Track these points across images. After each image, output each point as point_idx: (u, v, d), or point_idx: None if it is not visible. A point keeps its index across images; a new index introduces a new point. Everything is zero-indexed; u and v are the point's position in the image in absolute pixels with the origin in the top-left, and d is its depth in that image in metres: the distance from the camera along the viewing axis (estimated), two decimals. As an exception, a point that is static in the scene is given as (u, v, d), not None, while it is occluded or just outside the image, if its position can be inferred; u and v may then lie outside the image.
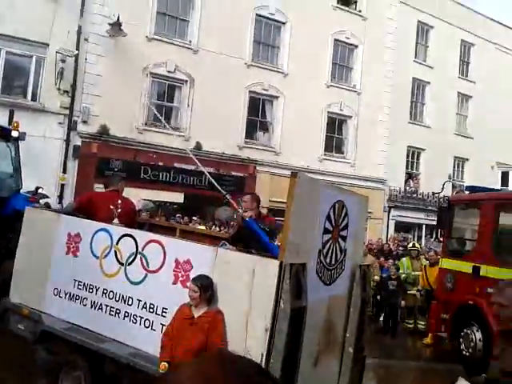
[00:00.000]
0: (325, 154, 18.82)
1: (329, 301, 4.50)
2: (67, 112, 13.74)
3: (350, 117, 19.49)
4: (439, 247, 13.78)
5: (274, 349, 3.59)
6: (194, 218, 13.81)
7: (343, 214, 4.59)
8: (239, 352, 3.70)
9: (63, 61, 13.42)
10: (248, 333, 3.72)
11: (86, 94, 14.08)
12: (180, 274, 4.16)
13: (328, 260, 4.39)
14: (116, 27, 13.90)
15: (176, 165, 15.61)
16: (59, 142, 13.64)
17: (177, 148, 15.54)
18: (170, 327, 3.86)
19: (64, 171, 13.67)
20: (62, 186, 13.52)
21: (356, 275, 4.91)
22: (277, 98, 17.74)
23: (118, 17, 13.81)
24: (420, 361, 8.32)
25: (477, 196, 7.93)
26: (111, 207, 5.27)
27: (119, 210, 5.29)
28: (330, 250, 4.42)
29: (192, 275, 4.02)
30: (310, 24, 17.61)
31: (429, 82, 21.66)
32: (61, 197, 13.17)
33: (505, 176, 23.08)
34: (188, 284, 3.99)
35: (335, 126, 19.47)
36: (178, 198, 15.72)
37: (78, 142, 14.02)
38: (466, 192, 8.62)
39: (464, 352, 7.47)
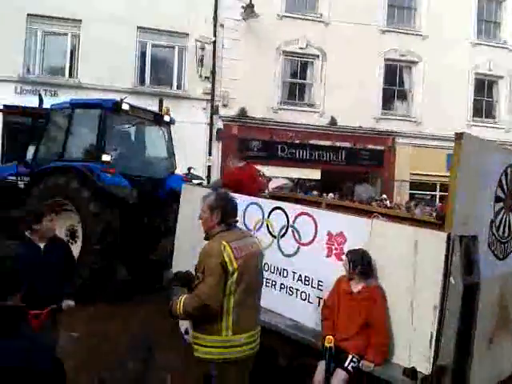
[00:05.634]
0: (473, 120, 17.11)
1: (503, 276, 4.00)
2: (209, 97, 14.47)
3: (502, 77, 17.37)
4: None
5: (444, 328, 3.29)
6: (330, 194, 13.43)
7: (517, 180, 4.02)
8: (406, 331, 3.45)
9: (202, 48, 14.09)
10: (414, 310, 3.46)
11: (224, 78, 14.64)
12: (333, 247, 4.04)
13: (501, 232, 3.89)
14: (249, 10, 14.13)
15: (312, 142, 15.52)
16: (203, 126, 14.47)
17: (312, 125, 15.45)
18: (330, 299, 3.78)
19: (209, 153, 14.50)
20: (209, 167, 14.37)
21: (533, 249, 4.29)
22: (415, 63, 16.53)
23: (250, -1, 14.04)
24: None
25: None
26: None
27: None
28: (503, 221, 3.92)
29: (346, 248, 3.88)
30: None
31: None
32: (209, 177, 13.99)
33: None
34: (343, 257, 3.86)
35: (484, 88, 17.55)
36: (314, 174, 15.66)
37: (220, 125, 14.71)
38: None
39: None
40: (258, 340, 3.03)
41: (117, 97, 7.75)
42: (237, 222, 3.11)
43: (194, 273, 2.98)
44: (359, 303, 3.58)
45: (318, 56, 15.63)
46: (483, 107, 17.61)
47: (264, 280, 4.51)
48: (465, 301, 3.30)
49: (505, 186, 3.91)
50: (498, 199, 3.84)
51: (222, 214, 2.99)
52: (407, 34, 16.43)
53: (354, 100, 15.12)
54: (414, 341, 3.39)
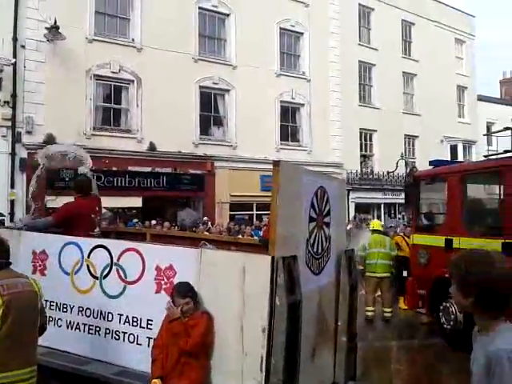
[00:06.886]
0: (281, 144, 18.75)
1: (319, 291, 4.34)
2: (9, 124, 12.92)
3: (303, 104, 19.51)
4: (399, 224, 14.02)
5: (273, 348, 3.39)
6: (153, 221, 13.03)
7: (325, 200, 4.44)
8: (237, 355, 3.47)
9: (1, 70, 12.58)
10: (244, 334, 3.49)
11: (27, 103, 13.29)
12: (163, 282, 3.88)
13: (315, 249, 4.22)
14: (54, 31, 13.17)
15: (131, 168, 15.05)
16: (4, 155, 12.82)
17: (131, 151, 15.00)
18: (159, 338, 3.57)
19: (12, 186, 12.86)
20: (12, 202, 12.72)
21: (342, 261, 4.78)
22: (228, 91, 17.46)
23: (55, 20, 13.10)
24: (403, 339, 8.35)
25: (442, 170, 8.02)
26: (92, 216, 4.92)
27: (98, 218, 4.97)
28: (317, 239, 4.26)
29: (176, 281, 3.75)
30: (254, 14, 17.45)
31: (374, 64, 22.02)
32: (12, 213, 12.37)
33: (453, 149, 23.87)
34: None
35: (289, 114, 19.44)
36: (135, 202, 15.15)
37: (24, 154, 13.22)
38: (430, 167, 8.73)
39: (445, 325, 7.55)
40: (29, 381, 3.04)
41: None
42: (9, 263, 3.16)
43: None
44: (185, 334, 3.46)
45: (132, 81, 15.34)
46: (289, 132, 19.48)
47: (87, 327, 4.15)
48: (289, 319, 3.45)
49: (316, 207, 4.27)
50: (311, 219, 4.16)
51: None
52: (219, 63, 17.29)
53: (173, 125, 15.24)
54: (246, 366, 3.41)
